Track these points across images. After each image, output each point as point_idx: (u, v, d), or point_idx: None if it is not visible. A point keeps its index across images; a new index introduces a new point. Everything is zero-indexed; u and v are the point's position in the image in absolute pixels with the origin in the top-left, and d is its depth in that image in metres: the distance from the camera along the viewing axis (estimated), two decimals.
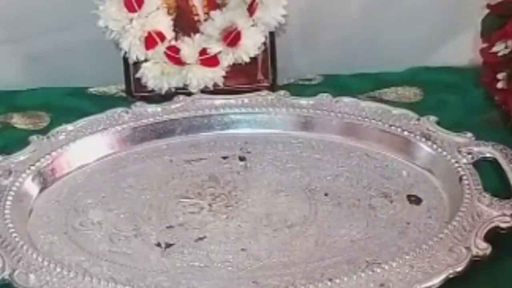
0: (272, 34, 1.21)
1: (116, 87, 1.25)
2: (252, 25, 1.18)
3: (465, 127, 1.07)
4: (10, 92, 1.25)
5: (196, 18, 1.21)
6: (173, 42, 1.19)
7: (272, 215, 0.97)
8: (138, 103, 1.15)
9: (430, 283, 0.83)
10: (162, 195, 1.02)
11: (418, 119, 1.09)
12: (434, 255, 0.86)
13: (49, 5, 1.26)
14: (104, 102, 1.20)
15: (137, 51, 1.18)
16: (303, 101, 1.14)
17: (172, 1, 1.21)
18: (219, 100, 1.15)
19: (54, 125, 1.13)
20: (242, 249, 0.92)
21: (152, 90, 1.20)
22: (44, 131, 1.11)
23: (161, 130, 1.12)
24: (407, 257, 0.86)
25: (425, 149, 1.05)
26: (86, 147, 1.08)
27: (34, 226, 0.97)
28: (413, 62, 1.28)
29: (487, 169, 1.00)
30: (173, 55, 1.18)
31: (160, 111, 1.14)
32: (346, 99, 1.14)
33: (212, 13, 1.20)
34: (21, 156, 1.05)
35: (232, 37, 1.17)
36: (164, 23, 1.19)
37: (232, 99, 1.15)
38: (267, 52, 1.21)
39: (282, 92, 1.16)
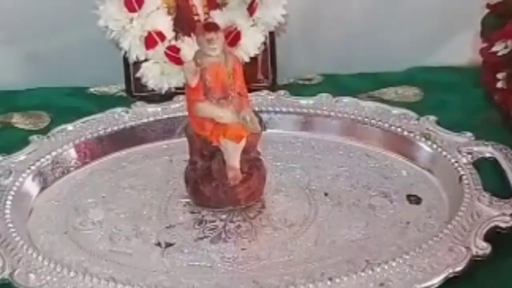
0: (272, 34, 1.21)
1: (116, 87, 1.25)
2: (252, 25, 1.18)
3: (465, 127, 1.07)
4: (10, 92, 1.25)
5: (196, 18, 1.21)
6: (173, 42, 1.19)
7: (272, 215, 0.97)
8: (138, 103, 1.15)
9: (430, 283, 0.83)
10: (162, 195, 1.02)
11: (418, 119, 1.09)
12: (434, 254, 0.86)
13: (49, 5, 1.26)
14: (104, 102, 1.20)
15: (137, 51, 1.18)
16: (303, 101, 1.14)
17: (172, 1, 1.21)
18: None
19: (54, 125, 1.13)
20: (242, 249, 0.92)
21: (152, 90, 1.20)
22: (44, 131, 1.12)
23: (161, 130, 1.12)
24: (407, 257, 0.86)
25: (425, 149, 1.05)
26: (86, 147, 1.08)
27: (34, 226, 0.97)
28: (413, 62, 1.28)
29: (487, 169, 1.00)
30: (173, 55, 1.18)
31: (160, 111, 1.14)
32: (346, 99, 1.14)
33: (212, 13, 1.20)
34: (21, 156, 1.05)
35: (232, 37, 1.17)
36: (164, 23, 1.19)
37: None
38: (267, 52, 1.21)
39: (282, 92, 1.16)
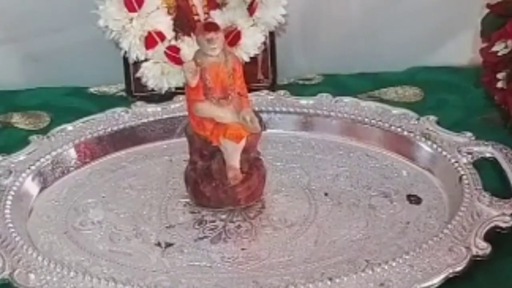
0: (272, 34, 1.21)
1: (116, 87, 1.25)
2: (252, 25, 1.18)
3: (465, 127, 1.07)
4: (10, 92, 1.25)
5: (196, 18, 1.21)
6: (173, 42, 1.19)
7: (272, 215, 0.97)
8: (138, 103, 1.15)
9: (430, 283, 0.83)
10: (162, 195, 1.02)
11: (418, 119, 1.09)
12: (434, 254, 0.86)
13: (49, 5, 1.26)
14: (104, 102, 1.20)
15: (137, 51, 1.18)
16: (303, 101, 1.14)
17: (172, 1, 1.21)
18: None
19: (54, 125, 1.13)
20: (242, 249, 0.92)
21: (152, 90, 1.20)
22: (44, 131, 1.12)
23: (161, 130, 1.12)
24: (407, 257, 0.86)
25: (425, 149, 1.05)
26: (86, 147, 1.08)
27: (34, 226, 0.97)
28: (413, 62, 1.28)
29: (487, 169, 1.00)
30: (173, 55, 1.18)
31: (160, 111, 1.14)
32: (346, 99, 1.14)
33: (212, 12, 1.20)
34: (21, 156, 1.05)
35: (232, 37, 1.17)
36: (164, 23, 1.19)
37: None
38: (267, 52, 1.21)
39: (282, 92, 1.16)
